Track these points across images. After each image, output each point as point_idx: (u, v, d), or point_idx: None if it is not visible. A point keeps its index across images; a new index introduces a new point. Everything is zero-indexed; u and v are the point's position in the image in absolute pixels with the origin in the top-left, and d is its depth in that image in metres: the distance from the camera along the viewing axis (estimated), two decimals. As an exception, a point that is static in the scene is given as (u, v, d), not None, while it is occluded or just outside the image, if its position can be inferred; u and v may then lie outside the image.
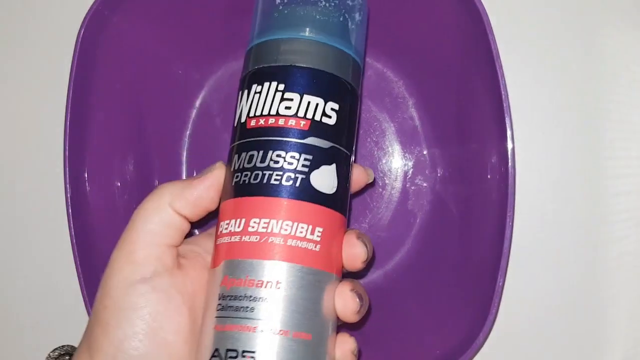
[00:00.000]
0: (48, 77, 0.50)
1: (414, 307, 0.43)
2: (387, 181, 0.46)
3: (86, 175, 0.44)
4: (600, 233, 0.43)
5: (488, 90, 0.38)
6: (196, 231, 0.42)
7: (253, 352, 0.29)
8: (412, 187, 0.45)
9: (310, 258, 0.30)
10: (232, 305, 0.30)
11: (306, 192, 0.31)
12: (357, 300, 0.32)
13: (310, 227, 0.31)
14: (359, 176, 0.35)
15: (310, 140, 0.31)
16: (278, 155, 0.31)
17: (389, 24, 0.43)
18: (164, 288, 0.31)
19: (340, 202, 0.32)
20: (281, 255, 0.30)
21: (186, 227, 0.33)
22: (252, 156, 0.31)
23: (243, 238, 0.30)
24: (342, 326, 0.33)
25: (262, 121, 0.32)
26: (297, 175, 0.31)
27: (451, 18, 0.41)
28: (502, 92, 0.37)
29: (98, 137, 0.44)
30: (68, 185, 0.42)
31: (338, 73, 0.32)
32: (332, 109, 0.32)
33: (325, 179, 0.31)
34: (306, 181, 0.31)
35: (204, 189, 0.32)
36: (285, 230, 0.30)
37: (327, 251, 0.31)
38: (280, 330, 0.29)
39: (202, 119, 0.48)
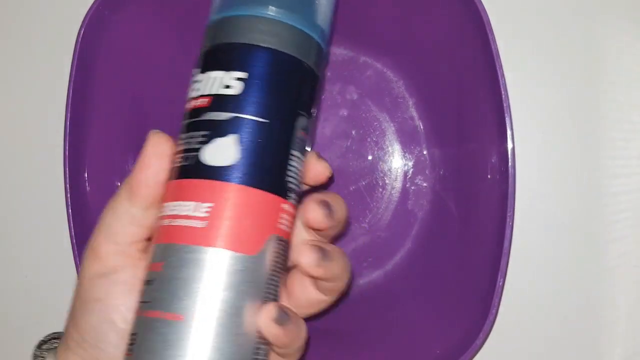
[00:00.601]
0: (48, 77, 0.50)
1: (414, 307, 0.43)
2: (387, 181, 0.46)
3: (86, 175, 0.44)
4: (600, 233, 0.43)
5: (488, 90, 0.38)
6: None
7: (135, 334, 0.29)
8: (412, 187, 0.45)
9: (192, 235, 0.29)
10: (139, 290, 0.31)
11: (194, 169, 0.30)
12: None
13: (196, 204, 0.29)
14: (315, 167, 0.33)
15: (208, 116, 0.30)
16: (180, 139, 0.31)
17: (388, 23, 0.43)
18: (126, 280, 0.32)
19: (246, 173, 0.30)
20: (165, 237, 0.30)
21: (152, 216, 0.32)
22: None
23: (156, 224, 0.31)
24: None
25: (183, 111, 0.32)
26: (189, 154, 0.30)
27: (451, 18, 0.41)
28: (502, 92, 0.37)
29: (98, 137, 0.44)
30: (68, 185, 0.42)
31: (242, 39, 0.31)
32: (236, 79, 0.30)
33: (217, 151, 0.30)
34: (195, 158, 0.30)
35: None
36: (173, 210, 0.30)
37: (218, 227, 0.29)
38: (153, 311, 0.29)
39: (202, 119, 0.48)
